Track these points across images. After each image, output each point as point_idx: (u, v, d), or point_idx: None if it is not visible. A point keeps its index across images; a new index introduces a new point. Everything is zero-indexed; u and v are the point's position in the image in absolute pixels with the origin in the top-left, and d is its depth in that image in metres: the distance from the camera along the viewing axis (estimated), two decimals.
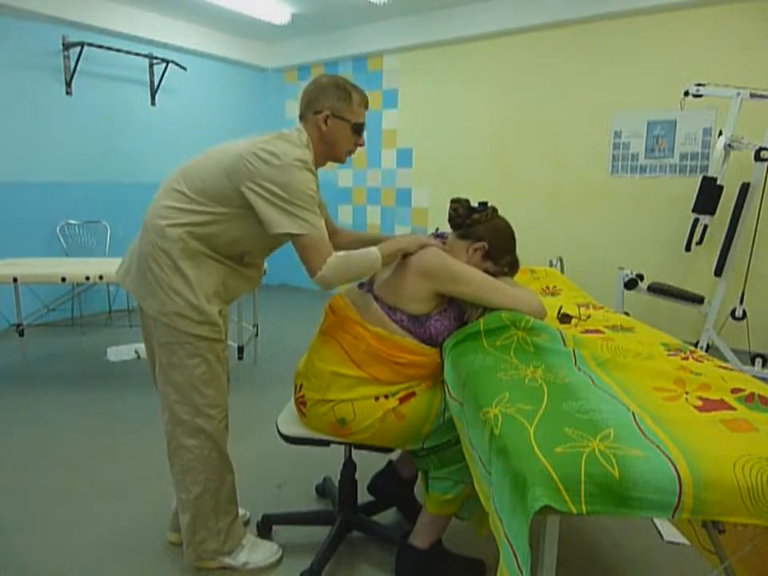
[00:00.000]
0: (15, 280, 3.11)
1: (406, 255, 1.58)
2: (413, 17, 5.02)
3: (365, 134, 1.66)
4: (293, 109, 6.09)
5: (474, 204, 1.71)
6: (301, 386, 1.62)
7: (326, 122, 1.56)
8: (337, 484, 1.86)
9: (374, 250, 1.52)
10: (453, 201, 1.70)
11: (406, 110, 5.42)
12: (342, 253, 1.49)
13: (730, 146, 3.37)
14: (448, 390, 1.40)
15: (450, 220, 1.70)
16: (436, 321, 1.55)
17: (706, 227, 3.54)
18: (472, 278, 1.51)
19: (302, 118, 1.60)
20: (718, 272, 3.51)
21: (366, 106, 1.63)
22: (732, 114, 3.38)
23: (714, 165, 3.46)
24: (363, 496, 1.96)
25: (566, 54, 4.46)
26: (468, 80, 4.98)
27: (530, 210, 4.76)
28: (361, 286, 1.69)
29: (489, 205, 1.70)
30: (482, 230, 1.64)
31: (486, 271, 1.62)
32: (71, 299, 4.72)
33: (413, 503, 2.00)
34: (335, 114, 1.56)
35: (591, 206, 4.51)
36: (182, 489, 1.64)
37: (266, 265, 3.09)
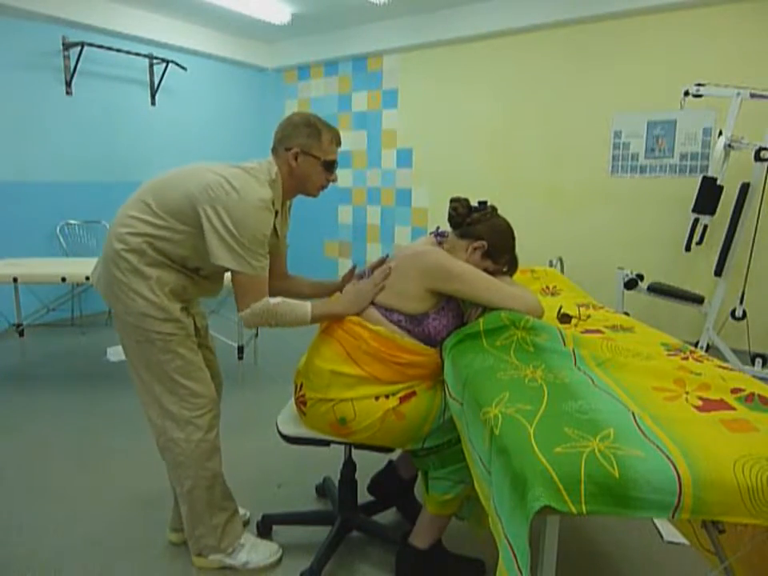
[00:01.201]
0: (15, 280, 3.12)
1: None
2: (413, 17, 5.02)
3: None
4: (292, 109, 6.09)
5: (474, 203, 1.71)
6: (301, 385, 1.62)
7: (295, 158, 1.60)
8: (337, 484, 1.86)
9: (306, 307, 1.57)
10: (452, 200, 1.70)
11: (405, 110, 5.42)
12: (276, 300, 1.55)
13: (730, 145, 3.37)
14: (448, 390, 1.40)
15: (449, 219, 1.70)
16: (434, 320, 1.55)
17: (706, 227, 3.53)
18: (469, 277, 1.51)
19: (273, 151, 1.64)
20: (718, 272, 3.51)
21: (338, 144, 1.67)
22: (732, 114, 3.38)
23: (714, 165, 3.45)
24: (363, 496, 1.96)
25: (566, 54, 4.46)
26: (468, 80, 4.98)
27: (529, 210, 4.76)
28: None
29: (488, 204, 1.70)
30: (481, 229, 1.64)
31: (486, 270, 1.62)
32: (71, 299, 4.72)
33: (413, 503, 2.00)
34: (305, 152, 1.60)
35: (591, 206, 4.51)
36: (176, 483, 1.68)
37: None
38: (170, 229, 1.53)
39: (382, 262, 1.74)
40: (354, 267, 1.89)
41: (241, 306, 1.54)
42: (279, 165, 1.62)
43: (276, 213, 1.60)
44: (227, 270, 1.54)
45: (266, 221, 1.51)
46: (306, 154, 1.61)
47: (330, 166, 1.65)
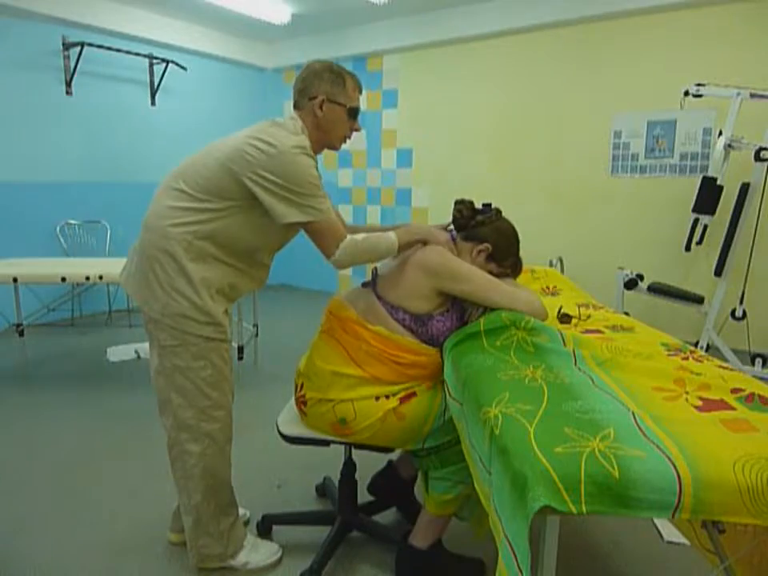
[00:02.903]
0: (15, 280, 3.12)
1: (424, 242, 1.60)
2: (413, 17, 5.02)
3: (359, 120, 1.65)
4: (292, 109, 6.08)
5: (478, 205, 1.71)
6: (302, 385, 1.62)
7: (321, 107, 1.54)
8: (337, 484, 1.86)
9: (391, 235, 1.54)
10: (457, 202, 1.70)
11: (405, 110, 5.42)
12: (360, 236, 1.51)
13: (730, 146, 3.37)
14: (448, 390, 1.40)
15: (454, 221, 1.70)
16: (438, 321, 1.55)
17: (705, 227, 3.54)
18: (473, 277, 1.51)
19: (296, 106, 1.58)
20: (718, 272, 3.51)
21: (360, 90, 1.62)
22: (732, 113, 3.38)
23: (714, 165, 3.46)
24: (363, 496, 1.96)
25: (566, 54, 4.46)
26: (468, 80, 4.98)
27: (530, 210, 4.76)
28: (365, 284, 1.69)
29: (493, 206, 1.70)
30: (486, 231, 1.64)
31: (490, 272, 1.62)
32: (71, 299, 4.72)
33: (413, 503, 2.00)
34: (330, 99, 1.54)
35: (591, 206, 4.51)
36: (184, 494, 1.64)
37: None
38: (213, 210, 1.45)
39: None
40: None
41: (327, 252, 1.48)
42: (303, 118, 1.55)
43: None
44: (293, 233, 1.49)
45: (310, 164, 1.44)
46: (331, 102, 1.54)
47: (354, 113, 1.60)
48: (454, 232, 1.74)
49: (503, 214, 1.71)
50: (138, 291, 1.53)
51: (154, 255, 1.47)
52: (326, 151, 1.68)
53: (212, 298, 1.50)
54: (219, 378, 1.57)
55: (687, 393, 1.15)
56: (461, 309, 1.61)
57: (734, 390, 1.15)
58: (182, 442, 1.58)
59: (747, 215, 3.38)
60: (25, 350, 3.88)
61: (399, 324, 1.54)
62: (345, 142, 1.65)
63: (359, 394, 1.51)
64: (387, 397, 1.51)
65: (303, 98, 1.56)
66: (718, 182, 3.43)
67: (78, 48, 4.47)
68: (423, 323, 1.54)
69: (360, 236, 1.51)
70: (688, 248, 3.62)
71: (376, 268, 1.72)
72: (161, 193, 1.52)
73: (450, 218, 1.74)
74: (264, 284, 1.73)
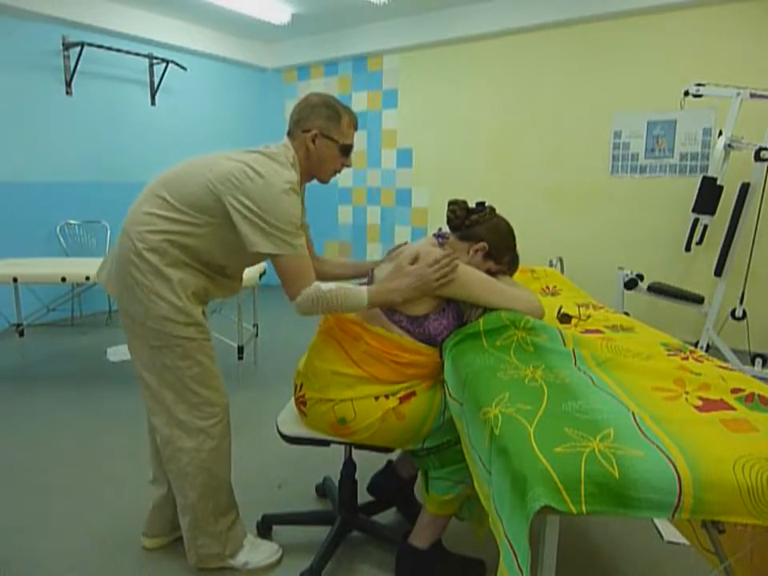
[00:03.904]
0: (15, 280, 3.11)
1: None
2: (413, 17, 5.02)
3: (355, 134, 1.64)
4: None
5: (472, 205, 1.71)
6: (301, 385, 1.62)
7: (313, 141, 1.55)
8: (337, 484, 1.86)
9: (363, 293, 1.48)
10: (450, 203, 1.70)
11: (406, 110, 5.42)
12: (329, 285, 1.47)
13: (730, 145, 3.37)
14: (448, 390, 1.40)
15: (448, 222, 1.70)
16: (435, 320, 1.55)
17: (705, 227, 3.54)
18: (470, 279, 1.51)
19: (289, 134, 1.59)
20: (718, 272, 3.51)
21: (356, 127, 1.62)
22: (732, 113, 3.38)
23: (714, 165, 3.46)
24: (363, 496, 1.96)
25: (566, 54, 4.46)
26: (468, 80, 4.98)
27: (530, 210, 4.76)
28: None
29: (486, 205, 1.70)
30: (481, 230, 1.64)
31: (488, 271, 1.63)
32: (71, 299, 4.72)
33: (413, 503, 2.00)
34: (323, 134, 1.55)
35: (591, 206, 4.51)
36: (180, 493, 1.64)
37: (266, 265, 3.08)
38: (191, 223, 1.47)
39: (399, 246, 1.70)
40: (405, 243, 1.75)
41: (292, 293, 1.46)
42: (296, 148, 1.56)
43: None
44: (258, 260, 1.48)
45: (295, 203, 1.44)
46: (324, 137, 1.55)
47: (347, 150, 1.61)
48: (447, 233, 1.74)
49: (503, 213, 1.71)
50: (119, 295, 1.54)
51: (131, 260, 1.48)
52: None
53: (189, 299, 1.52)
54: (207, 376, 1.57)
55: (687, 393, 1.15)
56: (457, 306, 1.61)
57: (734, 390, 1.15)
58: (176, 439, 1.58)
59: (747, 215, 3.38)
60: (25, 350, 3.88)
61: (396, 325, 1.54)
62: (334, 175, 1.66)
63: (359, 394, 1.51)
64: (387, 396, 1.51)
65: (297, 128, 1.57)
66: (718, 182, 3.43)
67: (78, 48, 4.47)
68: (419, 324, 1.54)
69: (328, 286, 1.46)
70: (688, 248, 3.62)
71: (372, 270, 1.72)
72: (142, 198, 1.53)
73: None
74: (237, 292, 1.75)
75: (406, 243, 1.72)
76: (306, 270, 1.47)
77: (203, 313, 1.58)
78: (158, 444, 1.63)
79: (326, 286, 1.47)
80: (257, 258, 1.58)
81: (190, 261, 1.51)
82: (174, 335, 1.50)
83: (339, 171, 1.65)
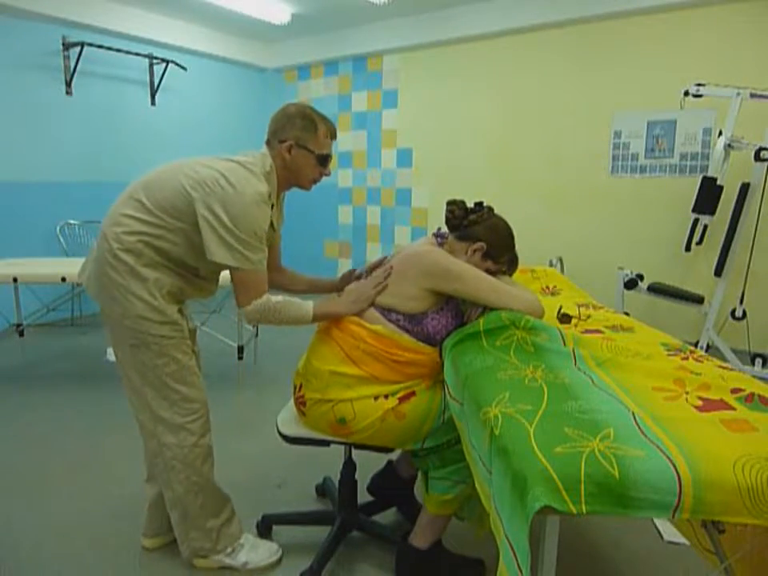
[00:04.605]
0: (15, 280, 3.12)
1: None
2: (413, 17, 5.02)
3: (329, 165, 1.67)
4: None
5: (470, 204, 1.71)
6: (300, 385, 1.62)
7: (289, 151, 1.57)
8: (337, 484, 1.86)
9: (308, 306, 1.56)
10: (448, 203, 1.70)
11: (406, 109, 5.42)
12: (278, 298, 1.53)
13: (730, 145, 3.37)
14: (448, 390, 1.40)
15: (446, 222, 1.70)
16: (433, 319, 1.55)
17: (705, 227, 3.54)
18: (469, 277, 1.51)
19: (268, 143, 1.61)
20: (718, 272, 3.51)
21: (333, 137, 1.64)
22: (732, 113, 3.38)
23: (714, 165, 3.46)
24: (363, 496, 1.96)
25: (567, 54, 4.46)
26: (468, 80, 4.98)
27: (529, 210, 4.76)
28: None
29: (484, 204, 1.70)
30: (479, 230, 1.64)
31: (488, 270, 1.63)
32: (71, 299, 4.72)
33: (413, 503, 2.00)
34: (299, 144, 1.57)
35: (591, 206, 4.51)
36: (168, 487, 1.65)
37: None
38: (165, 227, 1.50)
39: (380, 262, 1.73)
40: (353, 270, 1.86)
41: (242, 301, 1.52)
42: (273, 157, 1.59)
43: (272, 206, 1.57)
44: (225, 267, 1.51)
45: (263, 215, 1.48)
46: (300, 147, 1.58)
47: (324, 160, 1.62)
48: (446, 233, 1.74)
49: (503, 213, 1.71)
50: (98, 295, 1.57)
51: (107, 260, 1.51)
52: None
53: (164, 298, 1.54)
54: (185, 373, 1.59)
55: (687, 393, 1.15)
56: (456, 306, 1.61)
57: (734, 390, 1.15)
58: (159, 434, 1.60)
59: (747, 215, 3.38)
60: (25, 349, 3.88)
61: (394, 324, 1.54)
62: (315, 183, 1.68)
63: (358, 394, 1.51)
64: (386, 396, 1.51)
65: (275, 138, 1.59)
66: (718, 182, 3.43)
67: (78, 48, 4.47)
68: (418, 322, 1.54)
69: (276, 299, 1.53)
70: (688, 248, 3.63)
71: (368, 271, 1.72)
72: (121, 200, 1.56)
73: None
74: (213, 294, 1.78)
75: (385, 257, 1.73)
76: (260, 283, 1.52)
77: (180, 311, 1.61)
78: (144, 439, 1.66)
79: (275, 298, 1.53)
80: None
81: (164, 262, 1.54)
82: (151, 333, 1.52)
83: (318, 180, 1.67)
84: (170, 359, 1.56)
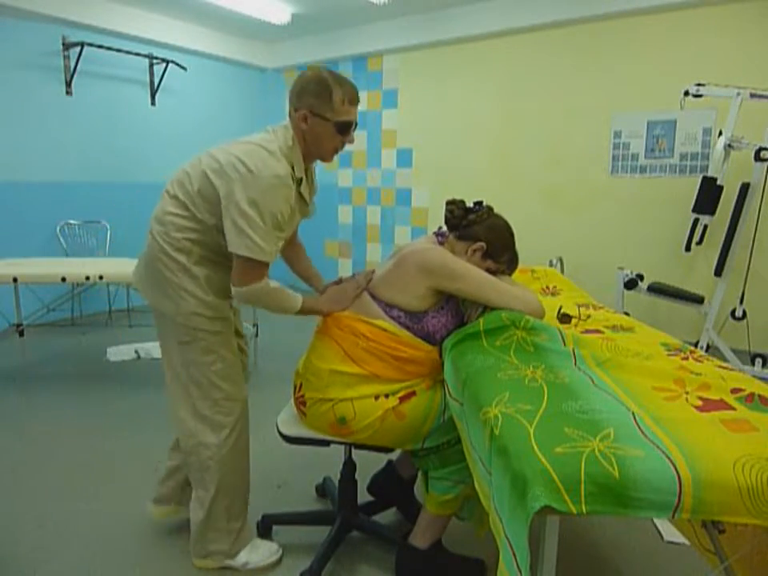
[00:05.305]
0: (15, 280, 3.11)
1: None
2: (413, 17, 5.01)
3: (355, 132, 1.56)
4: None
5: (470, 204, 1.71)
6: (300, 385, 1.62)
7: (305, 120, 1.48)
8: (337, 484, 1.86)
9: (298, 300, 1.56)
10: (448, 202, 1.70)
11: (406, 110, 5.42)
12: (275, 284, 1.51)
13: (730, 145, 3.37)
14: (448, 390, 1.40)
15: (446, 222, 1.70)
16: (433, 317, 1.55)
17: (705, 227, 3.54)
18: (470, 276, 1.51)
19: (289, 115, 1.54)
20: (718, 272, 3.51)
21: (354, 102, 1.51)
22: (732, 113, 3.38)
23: (714, 165, 3.46)
24: (363, 496, 1.96)
25: (566, 54, 4.46)
26: (468, 80, 4.98)
27: (530, 209, 4.76)
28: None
29: (484, 204, 1.70)
30: (479, 230, 1.64)
31: (488, 270, 1.62)
32: (71, 299, 4.72)
33: (413, 503, 2.00)
34: (314, 113, 1.47)
35: (591, 206, 4.51)
36: (200, 486, 1.66)
37: None
38: (202, 221, 1.49)
39: (369, 274, 1.69)
40: (340, 279, 1.80)
41: (237, 282, 1.47)
42: (294, 128, 1.51)
43: (301, 180, 1.53)
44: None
45: (282, 197, 1.41)
46: (315, 116, 1.47)
47: (344, 128, 1.50)
48: (447, 232, 1.74)
49: (503, 213, 1.71)
50: (150, 293, 1.58)
51: (160, 259, 1.53)
52: None
53: (216, 294, 1.55)
54: (230, 372, 1.62)
55: (687, 393, 1.15)
56: (456, 305, 1.61)
57: (734, 390, 1.15)
58: (199, 433, 1.61)
59: (747, 215, 3.38)
60: (25, 350, 3.88)
61: (394, 321, 1.54)
62: (336, 153, 1.59)
63: (358, 393, 1.51)
64: (387, 396, 1.51)
65: (292, 108, 1.52)
66: (718, 182, 3.43)
67: (78, 48, 4.46)
68: (419, 320, 1.54)
69: (273, 284, 1.50)
70: (688, 248, 3.62)
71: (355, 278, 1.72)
72: (162, 199, 1.57)
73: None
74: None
75: (373, 271, 1.70)
76: (264, 272, 1.48)
77: (231, 307, 1.63)
78: (179, 435, 1.67)
79: (273, 283, 1.51)
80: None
81: (212, 256, 1.54)
82: (202, 329, 1.54)
83: (340, 149, 1.58)
84: (217, 357, 1.58)
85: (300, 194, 1.56)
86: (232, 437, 1.63)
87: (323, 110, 1.47)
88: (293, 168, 1.48)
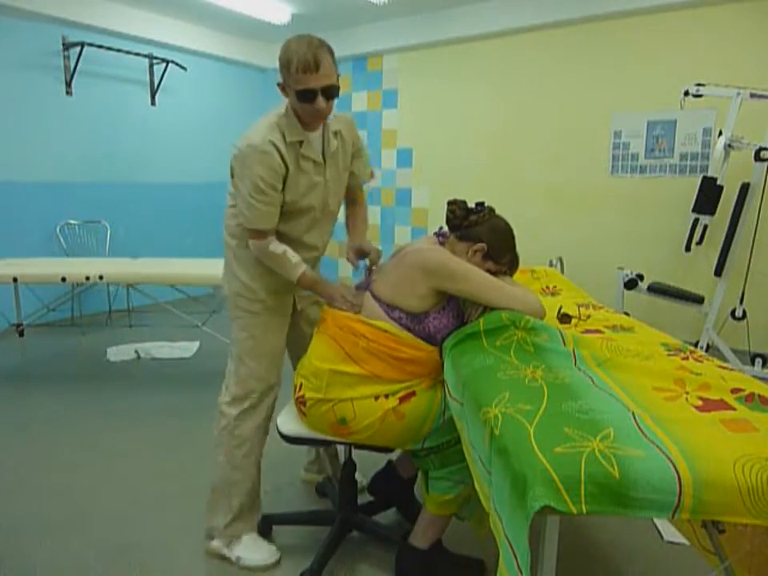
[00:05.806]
0: (15, 280, 3.12)
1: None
2: (413, 17, 5.01)
3: (318, 100, 1.54)
4: None
5: (471, 205, 1.71)
6: (300, 385, 1.62)
7: (284, 90, 1.60)
8: (337, 484, 1.86)
9: (297, 272, 1.63)
10: (449, 203, 1.70)
11: (405, 110, 5.42)
12: (280, 249, 1.61)
13: (730, 146, 3.37)
14: (448, 390, 1.40)
15: (447, 222, 1.70)
16: (434, 318, 1.55)
17: (705, 227, 3.53)
18: (471, 277, 1.51)
19: None
20: (718, 272, 3.51)
21: (307, 70, 1.49)
22: (732, 114, 3.38)
23: (714, 165, 3.45)
24: (363, 496, 1.96)
25: (566, 54, 4.46)
26: (468, 80, 4.98)
27: (530, 209, 4.76)
28: (358, 287, 1.69)
29: (485, 205, 1.70)
30: (480, 231, 1.64)
31: (488, 271, 1.62)
32: (71, 299, 4.71)
33: (413, 503, 2.00)
34: (283, 84, 1.58)
35: (591, 206, 4.51)
36: (219, 451, 1.77)
37: None
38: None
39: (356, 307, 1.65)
40: (371, 266, 1.74)
41: (248, 239, 1.64)
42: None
43: (301, 143, 1.59)
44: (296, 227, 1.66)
45: (258, 163, 1.51)
46: (285, 87, 1.58)
47: (303, 97, 1.52)
48: (447, 232, 1.74)
49: (503, 213, 1.71)
50: (222, 277, 1.80)
51: (225, 243, 1.74)
52: None
53: (260, 278, 1.69)
54: (259, 353, 1.72)
55: (687, 393, 1.15)
56: (457, 306, 1.61)
57: (734, 390, 1.15)
58: (221, 403, 1.76)
59: (747, 215, 3.38)
60: (25, 350, 3.88)
61: (396, 322, 1.54)
62: (317, 119, 1.60)
63: (359, 393, 1.51)
64: (387, 396, 1.51)
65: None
66: (718, 182, 3.42)
67: (78, 48, 4.46)
68: (420, 321, 1.54)
69: (276, 250, 1.61)
70: (688, 248, 3.62)
71: (369, 269, 1.72)
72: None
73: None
74: (317, 262, 1.88)
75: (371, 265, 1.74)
76: (259, 236, 1.60)
77: (273, 293, 1.73)
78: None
79: (273, 246, 1.61)
80: (293, 215, 1.66)
81: None
82: (242, 308, 1.71)
83: (318, 116, 1.58)
84: (249, 336, 1.71)
85: (303, 156, 1.60)
86: (250, 412, 1.72)
87: (287, 81, 1.56)
88: (283, 135, 1.56)
